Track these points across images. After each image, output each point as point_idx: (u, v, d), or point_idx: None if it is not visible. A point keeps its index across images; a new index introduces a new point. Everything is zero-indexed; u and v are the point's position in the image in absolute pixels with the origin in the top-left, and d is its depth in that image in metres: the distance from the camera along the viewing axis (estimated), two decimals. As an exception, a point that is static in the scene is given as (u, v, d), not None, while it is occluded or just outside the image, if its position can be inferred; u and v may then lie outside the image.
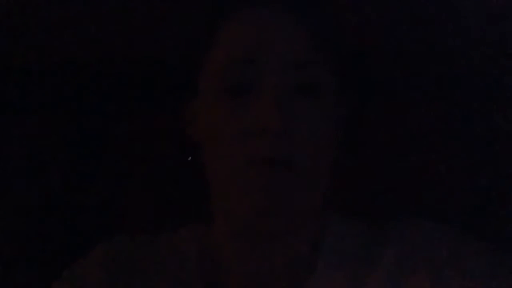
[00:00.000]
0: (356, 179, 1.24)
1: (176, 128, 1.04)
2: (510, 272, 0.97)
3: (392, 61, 1.22)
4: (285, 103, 0.93)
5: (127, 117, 1.30)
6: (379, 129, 1.25)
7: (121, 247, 1.05)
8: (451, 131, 1.23)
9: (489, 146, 1.22)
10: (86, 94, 1.30)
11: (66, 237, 1.29)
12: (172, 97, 1.05)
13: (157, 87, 1.27)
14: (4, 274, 1.28)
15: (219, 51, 0.96)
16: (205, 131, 0.98)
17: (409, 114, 1.24)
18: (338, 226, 1.02)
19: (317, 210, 1.02)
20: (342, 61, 0.99)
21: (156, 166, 1.30)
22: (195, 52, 1.00)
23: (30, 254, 1.30)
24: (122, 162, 1.31)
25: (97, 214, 1.30)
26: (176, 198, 1.29)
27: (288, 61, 0.94)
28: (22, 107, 1.31)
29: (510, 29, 1.20)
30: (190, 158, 1.01)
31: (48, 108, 1.31)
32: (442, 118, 1.24)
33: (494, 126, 1.22)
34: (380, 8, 1.20)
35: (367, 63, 1.22)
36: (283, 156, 0.93)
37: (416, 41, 1.22)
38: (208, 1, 1.02)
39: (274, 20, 0.95)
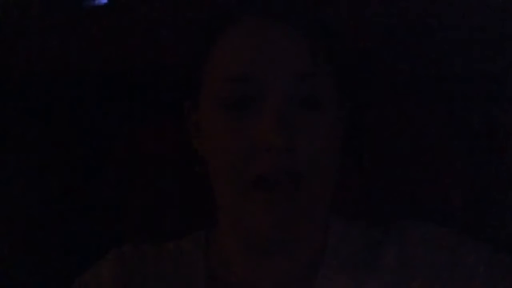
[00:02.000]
0: (358, 181, 1.24)
1: (183, 137, 1.04)
2: (510, 273, 0.97)
3: (394, 63, 1.22)
4: (287, 119, 0.90)
5: (134, 125, 1.31)
6: (379, 131, 1.25)
7: (132, 255, 1.05)
8: (451, 131, 1.23)
9: (489, 145, 1.22)
10: (94, 102, 1.31)
11: (69, 243, 1.30)
12: (177, 107, 1.04)
13: (161, 97, 1.27)
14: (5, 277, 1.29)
15: (216, 66, 0.94)
16: (208, 146, 0.97)
17: (408, 115, 1.24)
18: (340, 229, 1.02)
19: (322, 218, 1.01)
20: (343, 70, 0.97)
21: (163, 174, 1.30)
22: (191, 66, 0.98)
23: (31, 257, 1.31)
24: (128, 169, 1.31)
25: (103, 220, 1.30)
26: (183, 205, 1.29)
27: (288, 75, 0.91)
28: (25, 110, 1.31)
29: (510, 28, 1.20)
30: (197, 168, 1.00)
31: (53, 112, 1.32)
32: (442, 119, 1.23)
33: (494, 125, 1.22)
34: (381, 9, 1.20)
35: (369, 67, 1.21)
36: (287, 173, 0.91)
37: (417, 41, 1.21)
38: (204, 15, 1.00)
39: (272, 33, 0.92)
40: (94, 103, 1.30)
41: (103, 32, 1.26)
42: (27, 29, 1.28)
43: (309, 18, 0.94)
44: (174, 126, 1.12)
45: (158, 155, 1.30)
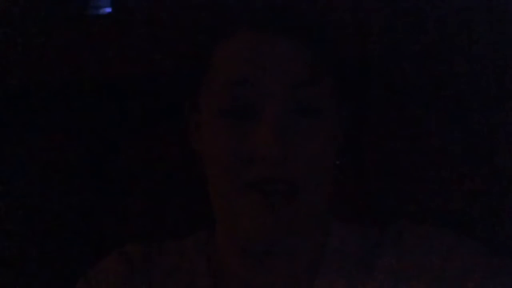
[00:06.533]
0: (357, 184, 1.24)
1: (184, 138, 1.04)
2: (508, 276, 0.97)
3: (394, 66, 1.22)
4: (284, 129, 0.92)
5: (136, 128, 1.32)
6: (379, 133, 1.25)
7: (135, 253, 1.05)
8: (451, 132, 1.23)
9: (489, 146, 1.22)
10: (97, 106, 1.32)
11: (72, 244, 1.31)
12: (178, 109, 1.05)
13: (162, 99, 1.28)
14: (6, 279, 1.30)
15: (216, 72, 0.96)
16: (208, 149, 0.98)
17: (408, 117, 1.24)
18: (340, 233, 1.02)
19: (319, 223, 1.02)
20: (342, 80, 0.98)
21: (165, 175, 1.31)
22: (192, 73, 1.00)
23: (33, 259, 1.31)
24: (131, 170, 1.32)
25: (105, 222, 1.31)
26: (185, 205, 1.29)
27: (286, 84, 0.92)
28: (31, 114, 1.33)
29: (510, 28, 1.20)
30: (196, 168, 1.01)
31: (57, 116, 1.32)
32: (442, 119, 1.24)
33: (494, 125, 1.22)
34: (381, 11, 1.20)
35: (369, 73, 1.21)
36: (283, 181, 0.92)
37: (417, 42, 1.21)
38: (205, 24, 1.01)
39: (273, 42, 0.93)
40: (97, 106, 1.31)
41: (107, 39, 1.26)
42: (31, 37, 1.29)
43: (308, 30, 0.95)
44: (175, 128, 1.12)
45: (160, 156, 1.31)
